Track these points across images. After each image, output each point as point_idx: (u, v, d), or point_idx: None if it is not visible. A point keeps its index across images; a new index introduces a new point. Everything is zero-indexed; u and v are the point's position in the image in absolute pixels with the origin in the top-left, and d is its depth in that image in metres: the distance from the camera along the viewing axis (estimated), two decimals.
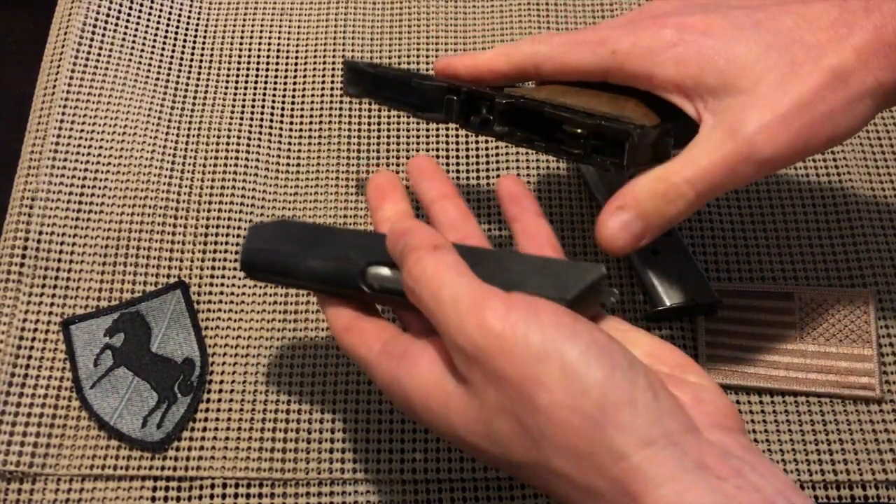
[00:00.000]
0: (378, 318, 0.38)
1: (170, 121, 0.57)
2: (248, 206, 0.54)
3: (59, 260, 0.51)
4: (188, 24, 0.61)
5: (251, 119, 0.57)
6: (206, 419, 0.47)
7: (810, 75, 0.36)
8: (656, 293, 0.49)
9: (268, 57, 0.60)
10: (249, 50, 0.60)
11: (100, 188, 0.54)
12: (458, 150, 0.56)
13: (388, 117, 0.57)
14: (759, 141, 0.35)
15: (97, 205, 0.53)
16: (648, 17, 0.40)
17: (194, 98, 0.58)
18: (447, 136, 0.57)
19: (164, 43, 0.60)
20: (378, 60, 0.60)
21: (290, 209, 0.54)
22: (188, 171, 0.55)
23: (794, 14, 0.38)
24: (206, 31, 0.61)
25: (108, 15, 0.60)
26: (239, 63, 0.60)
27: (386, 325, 0.37)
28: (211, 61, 0.60)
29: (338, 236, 0.39)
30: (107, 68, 0.58)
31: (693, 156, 0.36)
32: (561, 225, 0.53)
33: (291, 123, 0.57)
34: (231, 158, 0.55)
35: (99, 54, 0.58)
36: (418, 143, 0.56)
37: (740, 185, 0.37)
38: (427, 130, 0.57)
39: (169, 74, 0.59)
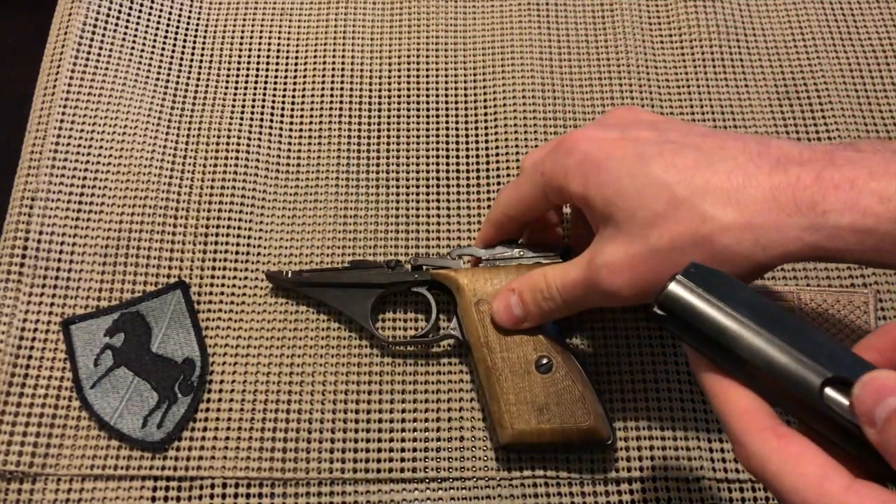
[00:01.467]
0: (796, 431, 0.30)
1: (170, 121, 0.57)
2: (248, 206, 0.54)
3: (59, 260, 0.51)
4: (188, 24, 0.61)
5: (251, 119, 0.57)
6: (206, 419, 0.47)
7: (678, 223, 0.37)
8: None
9: (268, 57, 0.60)
10: (249, 50, 0.60)
11: (100, 188, 0.54)
12: (457, 151, 0.56)
13: (388, 117, 0.58)
14: (603, 275, 0.39)
15: (97, 205, 0.53)
16: (578, 134, 0.42)
17: (194, 98, 0.58)
18: (447, 137, 0.57)
19: (164, 43, 0.60)
20: (378, 60, 0.60)
21: (290, 209, 0.54)
22: (188, 171, 0.55)
23: (700, 150, 0.38)
24: (206, 31, 0.61)
25: (108, 15, 0.60)
26: (239, 63, 0.60)
27: (811, 443, 0.29)
28: (211, 61, 0.60)
29: (801, 326, 0.30)
30: (107, 68, 0.58)
31: (567, 269, 0.42)
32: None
33: (291, 123, 0.57)
34: (231, 158, 0.55)
35: (99, 54, 0.58)
36: (418, 144, 0.57)
37: (601, 306, 0.42)
38: (427, 132, 0.57)
39: (169, 74, 0.59)
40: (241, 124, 0.57)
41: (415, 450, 0.46)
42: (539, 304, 0.43)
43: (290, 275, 0.49)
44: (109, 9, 0.60)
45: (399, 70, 0.60)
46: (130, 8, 0.60)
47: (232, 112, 0.57)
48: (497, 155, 0.56)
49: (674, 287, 0.32)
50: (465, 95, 0.59)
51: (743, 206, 0.35)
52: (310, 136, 0.57)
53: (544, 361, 0.45)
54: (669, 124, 0.41)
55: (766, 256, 0.36)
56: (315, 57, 0.60)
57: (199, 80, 0.59)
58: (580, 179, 0.40)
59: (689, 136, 0.39)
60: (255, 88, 0.59)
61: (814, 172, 0.35)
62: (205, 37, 0.61)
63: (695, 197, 0.36)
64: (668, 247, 0.37)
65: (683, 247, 0.36)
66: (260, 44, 0.61)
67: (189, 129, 0.57)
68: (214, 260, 0.52)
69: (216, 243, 0.52)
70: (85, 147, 0.55)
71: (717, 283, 0.32)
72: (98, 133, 0.56)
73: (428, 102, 0.58)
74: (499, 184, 0.55)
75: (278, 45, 0.61)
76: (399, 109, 0.58)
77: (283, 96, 0.58)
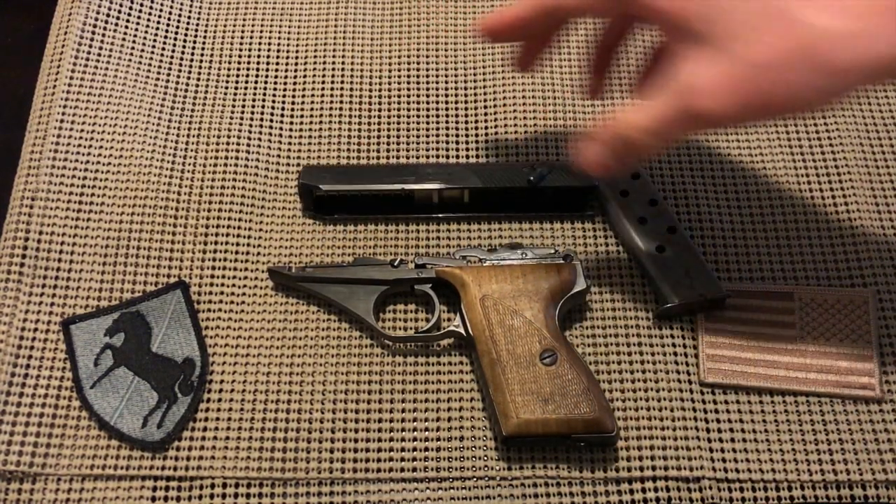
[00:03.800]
0: None
1: (170, 121, 0.57)
2: (248, 206, 0.54)
3: (59, 260, 0.51)
4: (188, 24, 0.61)
5: (251, 119, 0.57)
6: (206, 419, 0.47)
7: (780, 36, 0.34)
8: (665, 290, 0.49)
9: (268, 57, 0.60)
10: (249, 50, 0.60)
11: (100, 188, 0.54)
12: (457, 151, 0.56)
13: (388, 117, 0.58)
14: (703, 100, 0.36)
15: (97, 205, 0.53)
16: None
17: (194, 98, 0.58)
18: (447, 137, 0.57)
19: (164, 43, 0.60)
20: (378, 60, 0.60)
21: (290, 209, 0.54)
22: (188, 171, 0.55)
23: None
24: (206, 31, 0.61)
25: (108, 15, 0.60)
26: (239, 63, 0.60)
27: None
28: (211, 61, 0.60)
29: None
30: (107, 68, 0.58)
31: (649, 105, 0.39)
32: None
33: (291, 123, 0.57)
34: (231, 158, 0.55)
35: (99, 54, 0.58)
36: (418, 143, 0.57)
37: (695, 132, 0.39)
38: (427, 131, 0.57)
39: (169, 74, 0.59)
40: (241, 124, 0.57)
41: (415, 450, 0.46)
42: (624, 145, 0.40)
43: (293, 270, 0.50)
44: (109, 9, 0.60)
45: (399, 70, 0.60)
46: (130, 8, 0.60)
47: (232, 112, 0.57)
48: (497, 156, 0.56)
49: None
50: (465, 95, 0.59)
51: (852, 13, 0.33)
52: (310, 136, 0.57)
53: (549, 354, 0.45)
54: None
55: (878, 66, 0.34)
56: (315, 57, 0.60)
57: (199, 80, 0.59)
58: None
59: None
60: (255, 88, 0.59)
61: None
62: (205, 37, 0.61)
63: (796, 5, 0.34)
64: (770, 62, 0.34)
65: (788, 60, 0.34)
66: (260, 44, 0.61)
67: (189, 129, 0.57)
68: (214, 260, 0.52)
69: (216, 243, 0.52)
70: (85, 147, 0.55)
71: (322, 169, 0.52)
72: (98, 133, 0.56)
73: (428, 102, 0.58)
74: None
75: (278, 45, 0.61)
76: (399, 109, 0.58)
77: (283, 96, 0.58)
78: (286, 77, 0.59)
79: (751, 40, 0.35)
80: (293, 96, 0.59)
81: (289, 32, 0.61)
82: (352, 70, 0.59)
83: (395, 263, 0.49)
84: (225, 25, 0.61)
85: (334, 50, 0.60)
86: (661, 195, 0.53)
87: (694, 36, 0.36)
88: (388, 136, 0.57)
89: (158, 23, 0.60)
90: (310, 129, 0.57)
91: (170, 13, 0.61)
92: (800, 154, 0.56)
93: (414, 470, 0.46)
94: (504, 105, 0.58)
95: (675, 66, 0.37)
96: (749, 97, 0.35)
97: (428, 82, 0.59)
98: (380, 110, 0.58)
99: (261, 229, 0.53)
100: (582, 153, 0.42)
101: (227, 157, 0.55)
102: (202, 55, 0.60)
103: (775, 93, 0.35)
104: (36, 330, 0.49)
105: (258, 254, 0.52)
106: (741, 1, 0.35)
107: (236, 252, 0.52)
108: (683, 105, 0.37)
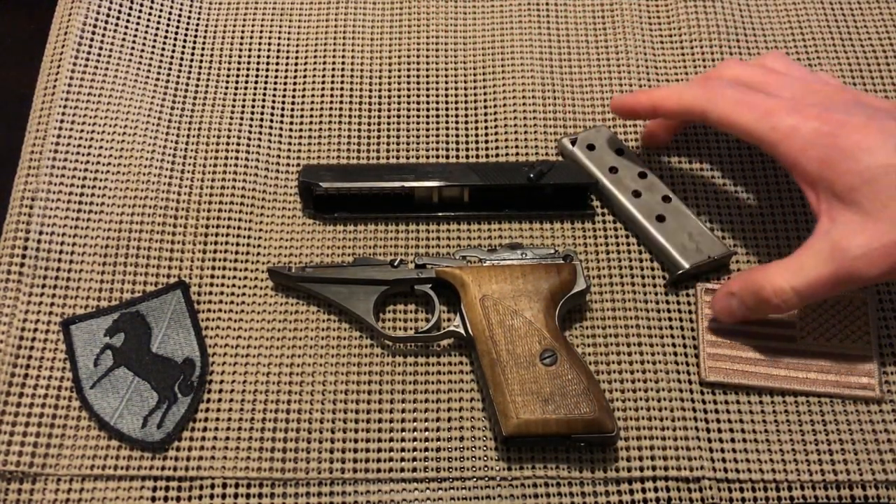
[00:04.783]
0: None
1: (170, 121, 0.57)
2: (248, 206, 0.54)
3: (59, 260, 0.51)
4: (188, 24, 0.61)
5: (251, 119, 0.57)
6: (206, 419, 0.47)
7: None
8: (672, 258, 0.49)
9: (268, 57, 0.60)
10: (249, 50, 0.60)
11: (100, 188, 0.54)
12: (457, 151, 0.57)
13: (388, 117, 0.58)
14: (860, 265, 0.40)
15: (97, 205, 0.53)
16: (818, 102, 0.44)
17: (194, 98, 0.58)
18: (447, 137, 0.57)
19: (164, 43, 0.60)
20: (378, 60, 0.60)
21: (290, 209, 0.54)
22: (188, 171, 0.55)
23: None
24: (206, 31, 0.61)
25: (108, 15, 0.60)
26: (239, 63, 0.60)
27: None
28: (211, 61, 0.60)
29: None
30: (107, 68, 0.58)
31: (802, 266, 0.43)
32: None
33: (291, 123, 0.57)
34: (231, 158, 0.55)
35: (99, 54, 0.58)
36: (418, 143, 0.57)
37: (842, 292, 0.43)
38: (427, 131, 0.57)
39: (169, 74, 0.59)
40: (241, 124, 0.57)
41: (415, 450, 0.46)
42: (765, 308, 0.45)
43: (293, 270, 0.50)
44: (109, 9, 0.60)
45: (399, 70, 0.60)
46: (130, 8, 0.60)
47: (232, 112, 0.57)
48: (497, 155, 0.56)
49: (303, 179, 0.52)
50: (465, 95, 0.59)
51: None
52: (310, 136, 0.57)
53: (549, 354, 0.45)
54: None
55: None
56: (315, 57, 0.60)
57: (199, 80, 0.59)
58: (817, 161, 0.42)
59: None
60: (255, 88, 0.59)
61: None
62: (205, 37, 0.61)
63: None
64: None
65: None
66: (260, 44, 0.61)
67: (189, 129, 0.57)
68: (214, 260, 0.52)
69: (216, 243, 0.52)
70: (85, 147, 0.55)
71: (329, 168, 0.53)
72: (98, 133, 0.56)
73: (428, 102, 0.58)
74: None
75: (278, 45, 0.61)
76: (399, 109, 0.58)
77: (283, 96, 0.58)
78: (286, 77, 0.59)
79: None
80: (293, 96, 0.59)
81: (289, 32, 0.61)
82: (352, 70, 0.59)
83: (395, 263, 0.49)
84: (225, 25, 0.61)
85: (334, 50, 0.60)
86: (647, 167, 0.53)
87: (840, 200, 0.42)
88: (388, 136, 0.57)
89: (158, 23, 0.60)
90: (310, 129, 0.57)
91: (170, 13, 0.61)
92: None
93: (414, 470, 0.46)
94: (504, 105, 0.58)
95: (826, 231, 0.42)
96: None
97: (428, 82, 0.59)
98: (380, 110, 0.58)
99: (261, 229, 0.53)
100: (717, 305, 0.47)
101: (227, 157, 0.55)
102: (202, 55, 0.60)
103: None
104: (36, 330, 0.49)
105: (258, 254, 0.52)
106: (881, 170, 0.40)
107: (236, 252, 0.52)
108: (841, 270, 0.41)
